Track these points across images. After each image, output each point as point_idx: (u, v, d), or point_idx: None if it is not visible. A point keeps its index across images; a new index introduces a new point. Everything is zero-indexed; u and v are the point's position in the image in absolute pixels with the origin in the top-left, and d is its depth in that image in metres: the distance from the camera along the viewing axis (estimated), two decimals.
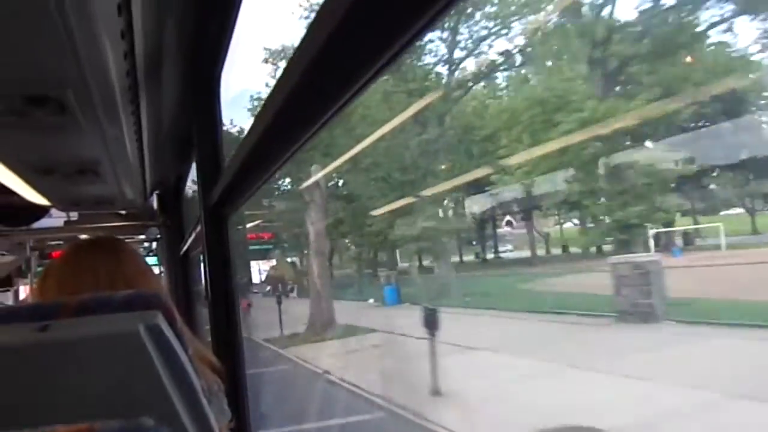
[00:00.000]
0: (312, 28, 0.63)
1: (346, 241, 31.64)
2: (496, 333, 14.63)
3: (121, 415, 0.75)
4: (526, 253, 34.65)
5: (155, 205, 3.67)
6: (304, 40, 0.66)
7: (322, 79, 0.67)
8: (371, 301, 23.63)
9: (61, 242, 4.79)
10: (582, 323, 14.55)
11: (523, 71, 30.51)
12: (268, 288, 30.20)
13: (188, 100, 1.75)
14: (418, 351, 11.32)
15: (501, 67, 30.79)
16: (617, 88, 26.11)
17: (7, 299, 4.76)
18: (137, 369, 0.72)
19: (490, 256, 38.99)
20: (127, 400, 0.73)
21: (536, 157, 23.65)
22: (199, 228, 1.95)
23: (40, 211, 3.07)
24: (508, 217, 39.01)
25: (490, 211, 33.07)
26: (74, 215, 3.69)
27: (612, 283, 14.41)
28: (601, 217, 25.68)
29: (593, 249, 28.44)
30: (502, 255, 39.36)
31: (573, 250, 33.56)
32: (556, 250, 36.21)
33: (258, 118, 0.96)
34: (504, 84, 31.88)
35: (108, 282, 1.13)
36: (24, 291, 4.99)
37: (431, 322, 11.03)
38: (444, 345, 11.36)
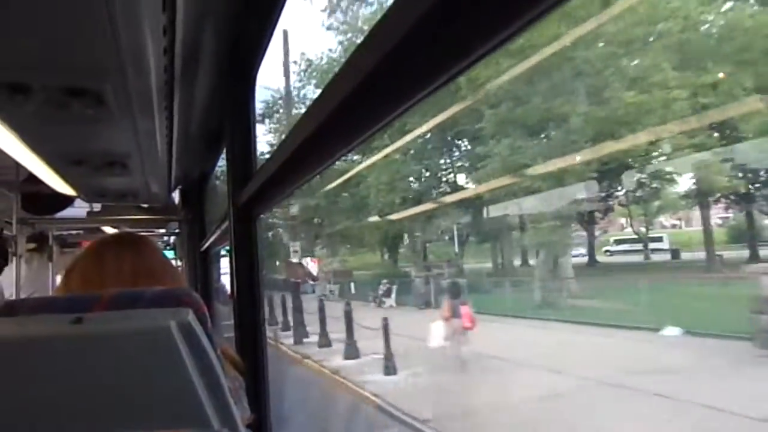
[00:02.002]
0: (364, 44, 0.62)
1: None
2: None
3: (149, 410, 0.75)
4: None
5: (176, 199, 3.69)
6: (355, 55, 0.65)
7: (369, 96, 0.66)
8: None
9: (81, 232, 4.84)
10: None
11: None
12: (331, 289, 21.31)
13: (221, 97, 1.74)
14: None
15: None
16: None
17: None
18: (167, 365, 0.71)
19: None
20: (156, 396, 0.74)
21: None
22: (224, 225, 1.95)
23: (66, 201, 3.09)
24: None
25: None
26: (97, 207, 3.73)
27: None
28: None
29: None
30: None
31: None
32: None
33: (298, 126, 0.94)
34: None
35: (131, 277, 1.13)
36: None
37: None
38: None
